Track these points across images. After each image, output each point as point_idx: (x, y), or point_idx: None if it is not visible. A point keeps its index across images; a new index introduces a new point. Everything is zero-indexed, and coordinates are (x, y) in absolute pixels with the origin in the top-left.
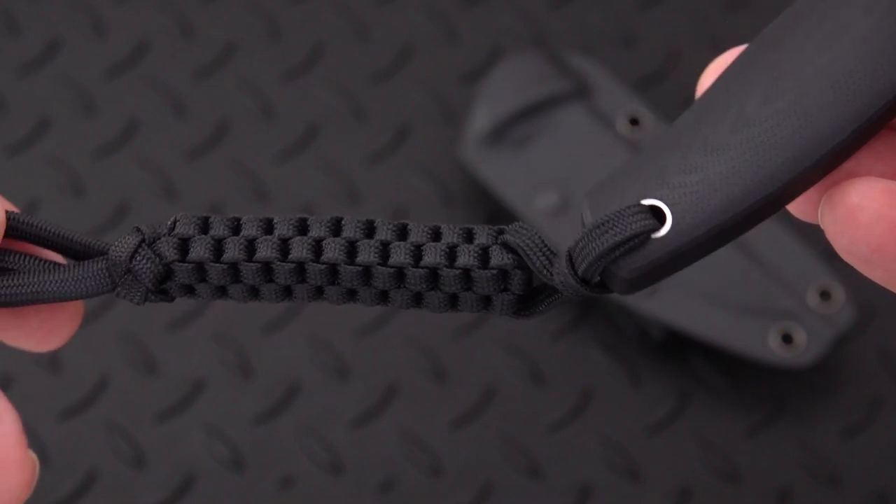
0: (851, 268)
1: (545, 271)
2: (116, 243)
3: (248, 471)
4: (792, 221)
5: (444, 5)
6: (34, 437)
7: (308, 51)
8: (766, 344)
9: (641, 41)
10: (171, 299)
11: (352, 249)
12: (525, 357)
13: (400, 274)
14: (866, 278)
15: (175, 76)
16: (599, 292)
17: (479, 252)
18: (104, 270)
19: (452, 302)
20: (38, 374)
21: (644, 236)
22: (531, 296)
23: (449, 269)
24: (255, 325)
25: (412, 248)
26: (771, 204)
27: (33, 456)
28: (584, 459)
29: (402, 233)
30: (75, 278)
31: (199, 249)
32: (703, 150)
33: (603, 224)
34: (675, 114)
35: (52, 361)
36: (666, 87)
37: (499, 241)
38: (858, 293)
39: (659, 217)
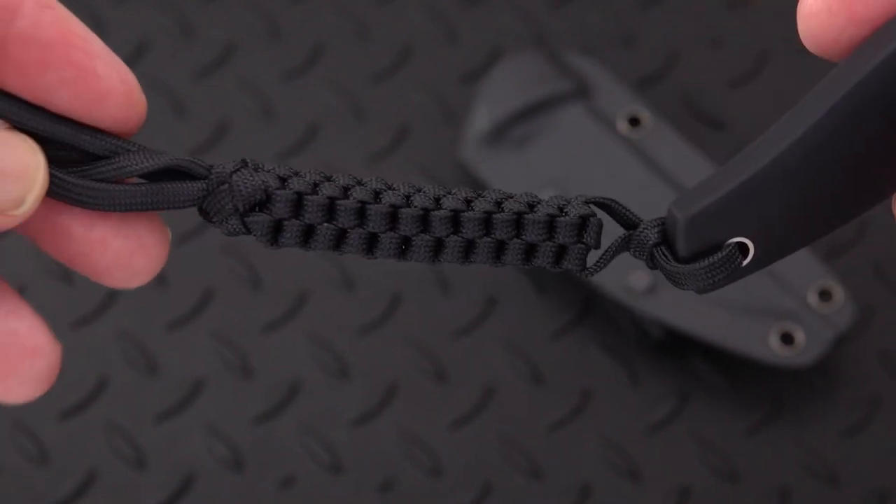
0: (851, 268)
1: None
2: (220, 163)
3: (248, 471)
4: None
5: (444, 5)
6: (34, 437)
7: (308, 51)
8: (766, 344)
9: (641, 41)
10: (249, 232)
11: (438, 199)
12: (525, 357)
13: (488, 221)
14: (866, 278)
15: (175, 76)
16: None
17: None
18: (199, 186)
19: (528, 254)
20: None
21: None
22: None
23: (531, 215)
24: (255, 325)
25: (497, 196)
26: None
27: (59, 344)
28: (584, 459)
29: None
30: (166, 187)
31: (298, 183)
32: (799, 196)
33: (708, 266)
34: (675, 114)
35: None
36: (666, 87)
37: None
38: (858, 293)
39: (743, 249)
